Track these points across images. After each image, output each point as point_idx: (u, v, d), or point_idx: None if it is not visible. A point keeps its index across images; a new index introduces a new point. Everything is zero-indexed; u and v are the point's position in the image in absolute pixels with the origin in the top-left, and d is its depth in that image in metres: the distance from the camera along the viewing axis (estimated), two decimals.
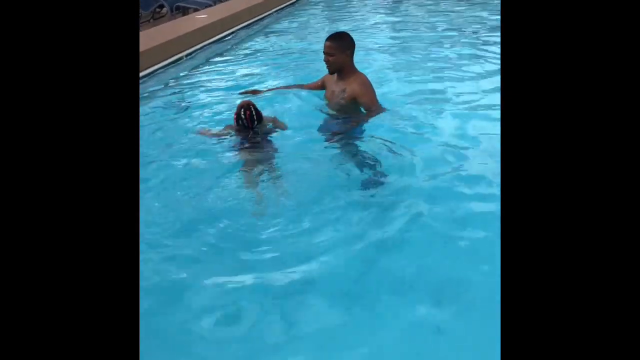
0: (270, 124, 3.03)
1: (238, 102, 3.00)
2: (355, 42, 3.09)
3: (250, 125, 2.86)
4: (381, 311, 1.79)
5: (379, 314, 1.78)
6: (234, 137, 2.91)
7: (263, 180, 2.58)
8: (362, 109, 3.07)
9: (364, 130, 3.03)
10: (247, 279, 1.95)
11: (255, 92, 3.71)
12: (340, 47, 3.00)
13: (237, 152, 2.80)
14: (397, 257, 2.07)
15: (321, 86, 3.39)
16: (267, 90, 3.73)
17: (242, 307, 1.84)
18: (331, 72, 3.10)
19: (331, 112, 3.15)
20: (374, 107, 3.06)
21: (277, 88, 3.76)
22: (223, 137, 2.96)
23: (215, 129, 3.10)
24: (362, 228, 2.24)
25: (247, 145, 2.82)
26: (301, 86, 3.61)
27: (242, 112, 2.85)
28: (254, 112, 2.86)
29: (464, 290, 1.86)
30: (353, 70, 3.08)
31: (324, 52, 3.02)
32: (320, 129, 3.06)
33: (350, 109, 3.05)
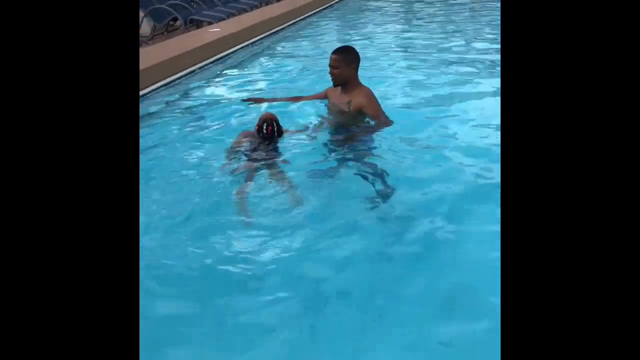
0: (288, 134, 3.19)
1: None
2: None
3: (271, 140, 3.02)
4: (391, 320, 1.86)
5: (388, 323, 1.85)
6: (249, 146, 3.05)
7: (275, 190, 2.71)
8: (369, 120, 3.21)
9: (373, 141, 3.16)
10: (258, 291, 2.03)
11: (257, 100, 3.89)
12: (346, 60, 3.16)
13: (249, 162, 2.94)
14: (405, 266, 2.15)
15: (324, 97, 3.55)
16: (269, 100, 3.89)
17: (252, 321, 1.88)
18: (336, 85, 3.26)
19: (336, 123, 3.30)
20: (381, 118, 3.20)
21: (281, 99, 3.91)
22: (239, 148, 3.11)
23: (230, 159, 3.18)
24: (371, 239, 2.33)
25: (261, 155, 2.96)
26: (305, 98, 3.78)
27: (265, 127, 2.99)
28: (275, 128, 3.01)
29: (472, 300, 1.93)
30: (357, 83, 3.24)
31: (329, 65, 3.18)
32: (326, 139, 3.22)
33: (356, 119, 3.21)
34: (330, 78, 3.23)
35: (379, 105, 3.23)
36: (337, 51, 3.21)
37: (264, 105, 3.81)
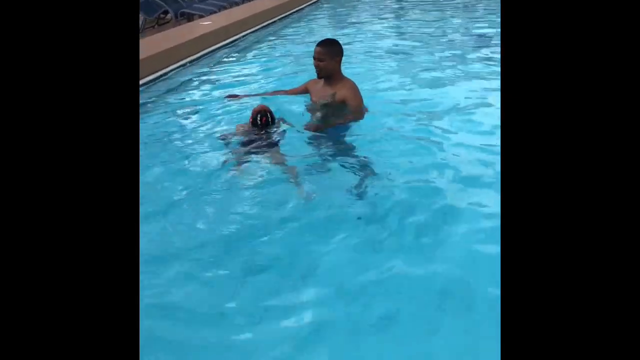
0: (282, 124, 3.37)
1: (252, 105, 3.32)
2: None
3: (266, 130, 3.20)
4: (382, 315, 1.88)
5: (379, 318, 1.86)
6: (245, 137, 3.21)
7: (271, 183, 2.83)
8: (349, 111, 3.36)
9: (359, 132, 3.31)
10: (249, 280, 2.08)
11: (237, 96, 4.01)
12: (331, 53, 3.30)
13: (247, 153, 3.08)
14: (395, 259, 2.17)
15: (304, 91, 3.69)
16: (250, 96, 4.01)
17: (242, 313, 1.92)
18: (320, 77, 3.39)
19: (321, 114, 3.44)
20: (359, 110, 3.37)
21: (261, 94, 4.03)
22: (237, 139, 3.26)
23: (232, 132, 3.38)
24: (362, 232, 2.39)
25: (258, 145, 3.12)
26: (285, 92, 3.91)
27: (259, 118, 3.18)
28: (269, 118, 3.19)
29: (465, 294, 1.95)
30: (341, 76, 3.39)
31: (314, 57, 3.32)
32: (311, 130, 3.36)
33: (338, 110, 3.36)
34: (315, 71, 3.37)
35: (361, 98, 3.39)
36: (322, 44, 3.35)
37: (257, 98, 3.95)
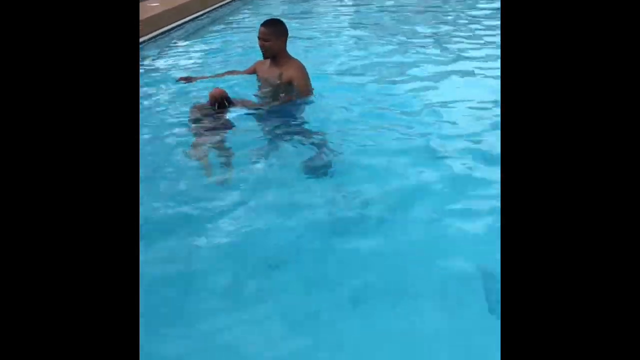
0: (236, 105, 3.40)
1: (207, 89, 3.35)
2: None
3: (223, 113, 3.23)
4: (372, 310, 1.87)
5: (370, 313, 1.86)
6: (201, 119, 3.25)
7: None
8: (295, 90, 3.41)
9: (311, 113, 3.37)
10: (222, 273, 2.07)
11: (189, 79, 4.03)
12: (275, 33, 3.34)
13: (203, 136, 3.13)
14: (380, 251, 2.18)
15: (253, 72, 3.74)
16: (201, 78, 4.06)
17: (208, 302, 1.93)
18: (266, 57, 3.43)
19: (266, 95, 3.49)
20: (304, 89, 3.41)
21: (212, 76, 4.07)
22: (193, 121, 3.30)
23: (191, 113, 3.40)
24: (321, 212, 2.41)
25: (213, 129, 3.18)
26: (236, 72, 3.95)
27: (217, 106, 3.20)
28: (226, 103, 3.22)
29: (456, 287, 1.93)
30: (287, 55, 3.43)
31: (259, 37, 3.35)
32: (266, 111, 3.40)
33: (284, 90, 3.41)
34: (261, 51, 3.40)
35: (308, 77, 3.43)
36: (266, 24, 3.37)
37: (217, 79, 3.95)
